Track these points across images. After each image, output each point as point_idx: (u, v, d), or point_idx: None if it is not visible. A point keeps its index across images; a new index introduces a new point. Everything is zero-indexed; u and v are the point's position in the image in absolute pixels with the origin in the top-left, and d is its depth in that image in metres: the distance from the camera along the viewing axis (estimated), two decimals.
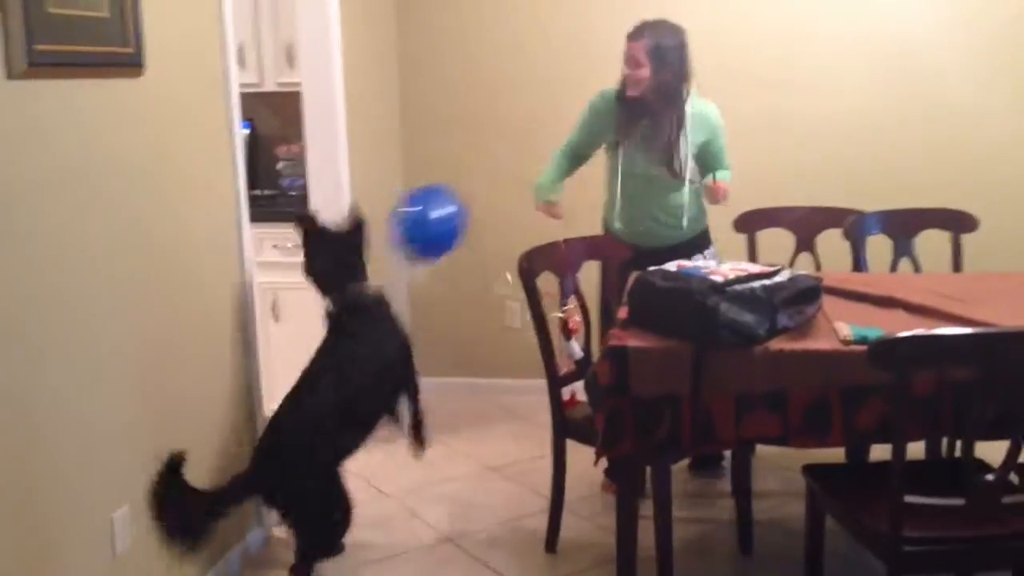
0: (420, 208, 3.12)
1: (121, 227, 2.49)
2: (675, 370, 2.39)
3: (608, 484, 3.55)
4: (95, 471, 2.40)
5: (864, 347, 2.24)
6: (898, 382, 2.15)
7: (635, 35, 3.32)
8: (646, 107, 3.36)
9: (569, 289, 3.24)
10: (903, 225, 3.64)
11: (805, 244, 3.75)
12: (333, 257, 3.09)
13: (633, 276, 2.76)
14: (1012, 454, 2.18)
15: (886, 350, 2.14)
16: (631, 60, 3.32)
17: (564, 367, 3.18)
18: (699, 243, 3.54)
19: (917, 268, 3.61)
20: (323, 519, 2.92)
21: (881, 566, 2.27)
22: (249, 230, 3.22)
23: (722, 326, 2.36)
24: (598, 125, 3.50)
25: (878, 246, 3.63)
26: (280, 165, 4.89)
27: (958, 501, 2.23)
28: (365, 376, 2.96)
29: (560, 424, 3.15)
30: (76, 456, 2.32)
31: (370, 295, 3.09)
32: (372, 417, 3.05)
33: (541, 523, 3.27)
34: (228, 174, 3.09)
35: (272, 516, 3.31)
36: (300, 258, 3.12)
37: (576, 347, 3.19)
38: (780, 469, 3.69)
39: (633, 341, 2.44)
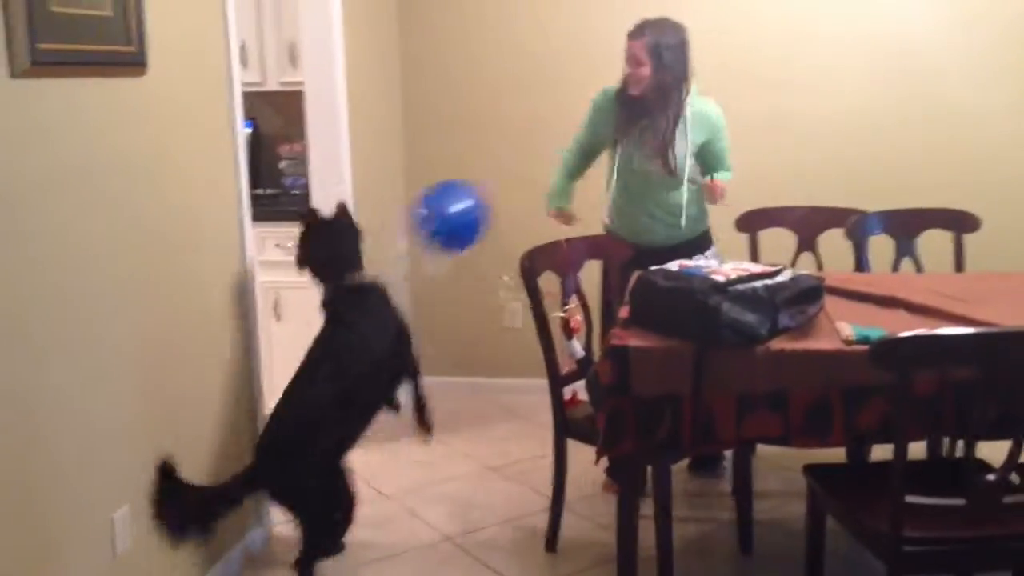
0: (438, 202, 3.12)
1: (123, 226, 2.49)
2: (676, 370, 2.39)
3: (609, 484, 3.56)
4: (96, 471, 2.39)
5: (866, 347, 2.24)
6: (900, 382, 2.15)
7: (636, 33, 3.32)
8: (645, 106, 3.36)
9: (571, 288, 3.25)
10: (905, 225, 3.64)
11: (807, 244, 3.75)
12: (329, 246, 3.09)
13: (635, 276, 2.76)
14: (1013, 454, 2.18)
15: (888, 350, 2.14)
16: (632, 59, 3.32)
17: (565, 366, 3.18)
18: (700, 244, 3.54)
19: (919, 268, 3.61)
20: (324, 517, 2.92)
21: (881, 566, 2.27)
22: (251, 229, 3.23)
23: (724, 326, 2.36)
24: (600, 122, 3.50)
25: (880, 246, 3.62)
26: (282, 164, 4.90)
27: (959, 501, 2.23)
28: (363, 365, 2.94)
29: (561, 424, 3.15)
30: (77, 456, 2.32)
31: (367, 283, 3.09)
32: (371, 406, 3.04)
33: (541, 523, 3.28)
34: (230, 173, 3.10)
35: (273, 515, 3.32)
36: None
37: (577, 346, 3.19)
38: (781, 469, 3.69)
39: (634, 341, 2.44)
